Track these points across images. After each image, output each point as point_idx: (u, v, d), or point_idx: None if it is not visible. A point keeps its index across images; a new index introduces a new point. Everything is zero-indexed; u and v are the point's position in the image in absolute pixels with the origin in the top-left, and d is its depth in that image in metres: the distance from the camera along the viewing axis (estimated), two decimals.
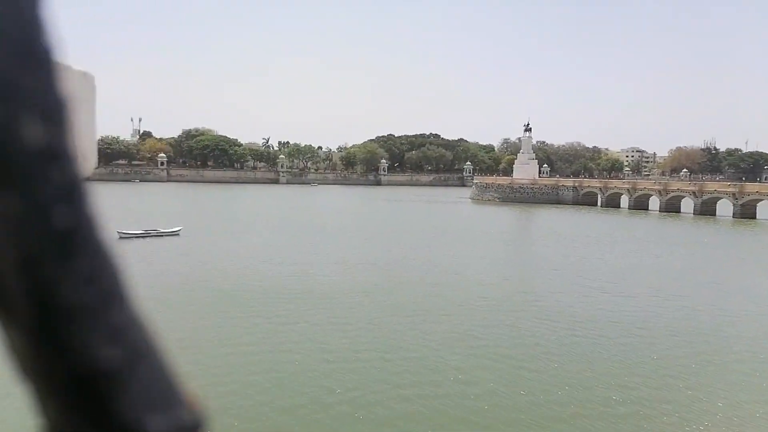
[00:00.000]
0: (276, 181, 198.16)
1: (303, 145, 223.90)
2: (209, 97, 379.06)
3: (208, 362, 18.26)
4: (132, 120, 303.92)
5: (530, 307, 26.61)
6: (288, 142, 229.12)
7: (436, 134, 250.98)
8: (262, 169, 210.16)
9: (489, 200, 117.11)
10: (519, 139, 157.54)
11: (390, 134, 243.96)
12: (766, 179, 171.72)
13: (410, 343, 20.69)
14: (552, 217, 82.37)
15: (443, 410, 15.15)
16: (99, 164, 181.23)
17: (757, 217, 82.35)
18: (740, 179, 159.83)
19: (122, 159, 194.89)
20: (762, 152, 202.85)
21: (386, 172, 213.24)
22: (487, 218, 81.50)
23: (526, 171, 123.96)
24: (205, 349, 19.47)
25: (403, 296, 28.42)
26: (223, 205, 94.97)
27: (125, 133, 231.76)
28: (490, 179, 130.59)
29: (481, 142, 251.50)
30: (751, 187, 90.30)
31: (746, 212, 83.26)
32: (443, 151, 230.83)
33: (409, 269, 36.40)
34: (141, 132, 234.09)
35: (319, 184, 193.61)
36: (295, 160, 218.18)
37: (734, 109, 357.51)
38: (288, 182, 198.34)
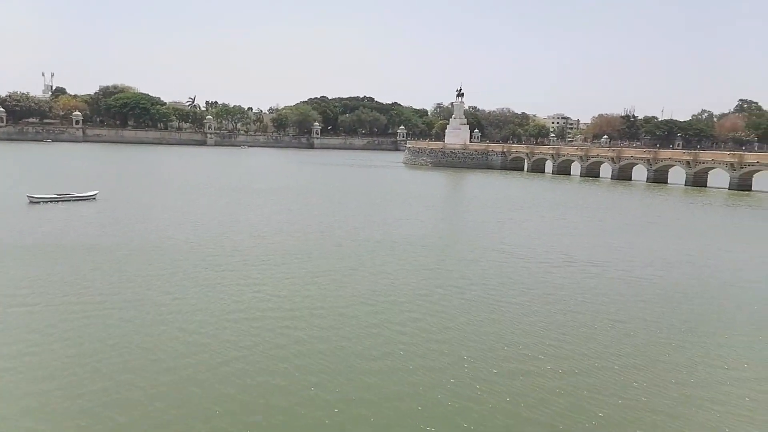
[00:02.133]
0: (203, 143, 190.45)
1: (232, 106, 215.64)
2: (129, 52, 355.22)
3: (124, 324, 17.52)
4: (43, 75, 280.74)
5: (448, 268, 27.27)
6: (216, 102, 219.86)
7: (370, 97, 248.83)
8: (187, 130, 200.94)
9: (422, 165, 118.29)
10: (451, 104, 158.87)
11: (323, 96, 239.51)
12: (678, 146, 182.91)
13: (320, 299, 20.70)
14: (480, 182, 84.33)
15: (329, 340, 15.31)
16: (7, 122, 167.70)
17: (669, 181, 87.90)
18: (655, 145, 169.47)
19: (33, 117, 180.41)
20: (675, 120, 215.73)
21: (319, 135, 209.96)
22: (419, 182, 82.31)
23: (457, 136, 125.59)
24: (124, 310, 18.62)
25: (322, 260, 28.28)
26: (144, 168, 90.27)
27: (36, 89, 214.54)
28: (423, 144, 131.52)
29: (415, 107, 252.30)
30: (664, 153, 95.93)
31: (659, 177, 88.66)
32: (377, 114, 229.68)
33: (335, 235, 36.23)
34: (54, 88, 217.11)
35: (249, 146, 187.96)
36: (223, 122, 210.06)
37: (652, 78, 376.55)
38: (216, 144, 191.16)
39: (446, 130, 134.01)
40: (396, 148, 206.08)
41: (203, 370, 15.33)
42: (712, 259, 32.44)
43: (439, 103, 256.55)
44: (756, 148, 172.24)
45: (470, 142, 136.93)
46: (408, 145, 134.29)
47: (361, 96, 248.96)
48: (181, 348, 16.82)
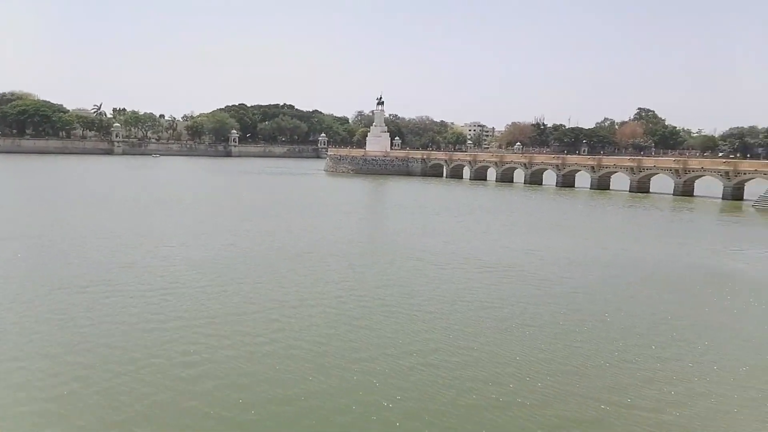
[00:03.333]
0: (110, 152, 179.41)
1: (142, 113, 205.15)
2: (28, 57, 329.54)
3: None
4: None
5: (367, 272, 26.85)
6: (124, 109, 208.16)
7: (290, 105, 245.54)
8: (93, 139, 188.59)
9: (343, 172, 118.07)
10: (372, 112, 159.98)
11: (242, 104, 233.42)
12: (584, 151, 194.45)
13: (222, 305, 19.58)
14: (401, 189, 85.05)
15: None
16: None
17: (576, 185, 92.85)
18: (563, 151, 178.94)
19: None
20: (581, 127, 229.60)
21: (237, 143, 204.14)
22: (341, 189, 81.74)
23: (378, 143, 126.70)
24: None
25: (231, 271, 26.95)
26: (41, 179, 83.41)
27: None
28: (344, 151, 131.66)
29: (336, 114, 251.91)
30: (571, 159, 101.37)
31: (567, 181, 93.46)
32: (298, 122, 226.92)
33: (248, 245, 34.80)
34: None
35: (161, 155, 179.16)
36: (133, 129, 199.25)
37: (560, 87, 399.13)
38: (124, 153, 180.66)
39: (367, 138, 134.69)
40: (317, 155, 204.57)
41: None
42: (615, 257, 34.10)
43: (360, 111, 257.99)
44: (653, 153, 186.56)
45: (391, 149, 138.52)
46: (329, 153, 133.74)
47: (281, 103, 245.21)
48: None
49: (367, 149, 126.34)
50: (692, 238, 42.94)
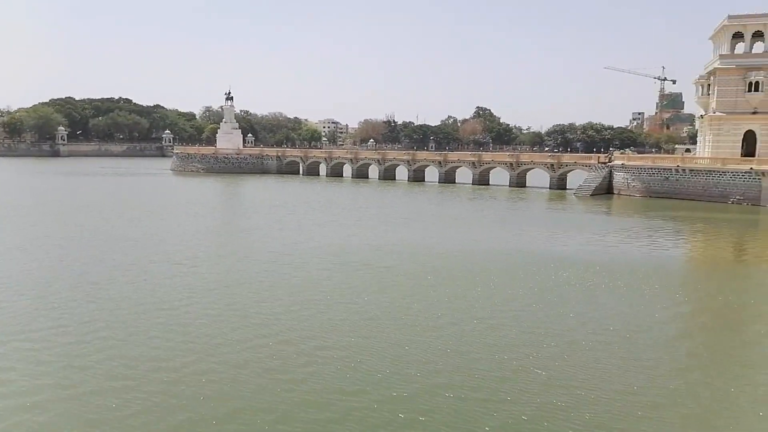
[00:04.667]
0: None
1: None
2: None
3: None
4: None
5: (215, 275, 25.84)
6: None
7: (127, 99, 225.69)
8: None
9: (193, 171, 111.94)
10: (221, 107, 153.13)
11: (69, 97, 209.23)
12: (431, 147, 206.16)
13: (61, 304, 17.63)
14: (256, 187, 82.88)
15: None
16: None
17: (426, 179, 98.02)
18: (413, 148, 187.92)
19: None
20: (428, 125, 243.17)
21: (66, 141, 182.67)
22: (190, 190, 77.26)
23: (230, 141, 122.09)
24: None
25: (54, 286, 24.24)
26: None
27: None
28: (192, 149, 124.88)
29: (181, 110, 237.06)
30: (420, 155, 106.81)
31: (418, 176, 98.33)
32: (137, 117, 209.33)
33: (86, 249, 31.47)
34: None
35: None
36: None
37: (408, 86, 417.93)
38: None
39: (218, 135, 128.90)
40: (162, 154, 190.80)
41: None
42: (455, 245, 36.69)
43: (208, 107, 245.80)
44: (491, 149, 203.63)
45: (244, 146, 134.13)
46: (176, 151, 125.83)
47: (117, 97, 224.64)
48: None
49: (218, 147, 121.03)
50: (528, 225, 47.75)
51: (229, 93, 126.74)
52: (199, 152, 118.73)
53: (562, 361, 17.29)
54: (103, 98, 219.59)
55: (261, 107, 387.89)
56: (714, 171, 66.81)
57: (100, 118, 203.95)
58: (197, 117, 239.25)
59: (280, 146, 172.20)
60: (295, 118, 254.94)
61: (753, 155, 69.55)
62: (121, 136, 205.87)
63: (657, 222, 51.12)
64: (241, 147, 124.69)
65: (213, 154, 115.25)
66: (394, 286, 25.97)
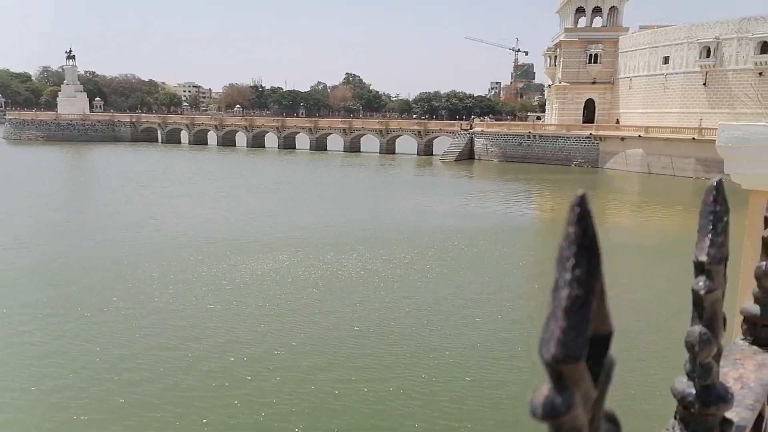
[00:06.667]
0: None
1: None
2: None
3: None
4: None
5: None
6: None
7: None
8: None
9: (30, 139, 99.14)
10: (62, 68, 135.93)
11: None
12: (302, 114, 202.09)
13: None
14: (107, 157, 75.34)
15: None
16: None
17: (297, 147, 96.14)
18: (282, 114, 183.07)
19: None
20: (299, 91, 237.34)
21: None
22: (27, 161, 68.11)
23: (74, 105, 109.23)
24: None
25: None
26: None
27: None
28: (29, 114, 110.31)
29: (12, 70, 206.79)
30: (290, 121, 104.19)
31: (288, 144, 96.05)
32: None
33: None
34: None
35: None
36: None
37: (274, 50, 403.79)
38: None
39: (59, 99, 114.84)
40: None
41: None
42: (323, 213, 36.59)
43: (46, 67, 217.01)
44: (361, 116, 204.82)
45: (91, 111, 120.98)
46: (9, 117, 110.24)
47: None
48: None
49: (59, 112, 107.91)
50: (398, 192, 48.87)
51: (70, 51, 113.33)
52: (38, 118, 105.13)
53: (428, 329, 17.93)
54: None
55: (110, 68, 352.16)
56: (560, 137, 73.39)
57: None
58: (33, 78, 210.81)
59: (134, 112, 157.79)
60: (150, 80, 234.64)
61: (593, 122, 77.45)
62: None
63: (512, 185, 55.13)
64: (87, 112, 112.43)
65: (54, 120, 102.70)
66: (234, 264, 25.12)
